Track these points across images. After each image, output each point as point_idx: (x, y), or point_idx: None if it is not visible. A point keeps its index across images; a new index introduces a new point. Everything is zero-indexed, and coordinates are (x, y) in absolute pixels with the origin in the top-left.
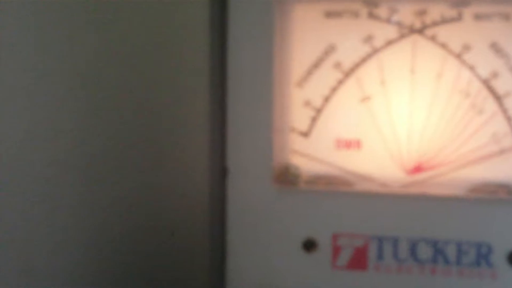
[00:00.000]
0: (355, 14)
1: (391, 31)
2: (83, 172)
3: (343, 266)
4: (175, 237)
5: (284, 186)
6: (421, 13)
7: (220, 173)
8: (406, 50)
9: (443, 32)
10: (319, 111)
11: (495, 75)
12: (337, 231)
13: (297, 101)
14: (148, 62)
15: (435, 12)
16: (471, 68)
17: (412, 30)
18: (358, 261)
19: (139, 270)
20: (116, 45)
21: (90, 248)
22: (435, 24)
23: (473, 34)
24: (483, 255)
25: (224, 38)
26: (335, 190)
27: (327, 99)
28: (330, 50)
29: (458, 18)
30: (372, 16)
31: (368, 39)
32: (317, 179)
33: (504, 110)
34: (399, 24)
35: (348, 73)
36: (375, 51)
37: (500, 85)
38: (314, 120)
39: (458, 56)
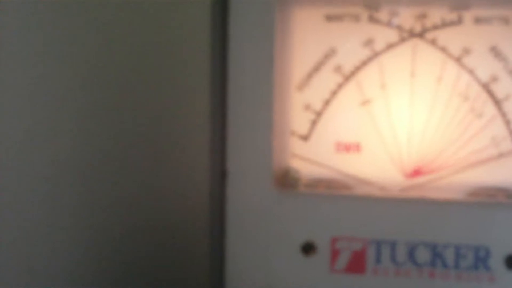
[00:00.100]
0: (356, 18)
1: (391, 35)
2: (83, 172)
3: (341, 269)
4: (175, 238)
5: (284, 189)
6: (422, 16)
7: (220, 175)
8: (406, 53)
9: (443, 36)
10: (319, 114)
11: (494, 78)
12: (336, 234)
13: (297, 105)
14: (148, 63)
15: (435, 15)
16: (471, 71)
17: (412, 34)
18: (357, 264)
19: (139, 271)
20: (117, 46)
21: (90, 248)
22: (435, 27)
23: (473, 38)
24: (481, 259)
25: (225, 39)
26: (334, 194)
27: (327, 103)
28: (330, 53)
29: (458, 21)
30: (372, 19)
31: (369, 42)
32: (317, 183)
33: (503, 114)
34: (399, 28)
35: (348, 77)
36: (375, 55)
37: (499, 89)
38: (314, 123)
39: (458, 59)
